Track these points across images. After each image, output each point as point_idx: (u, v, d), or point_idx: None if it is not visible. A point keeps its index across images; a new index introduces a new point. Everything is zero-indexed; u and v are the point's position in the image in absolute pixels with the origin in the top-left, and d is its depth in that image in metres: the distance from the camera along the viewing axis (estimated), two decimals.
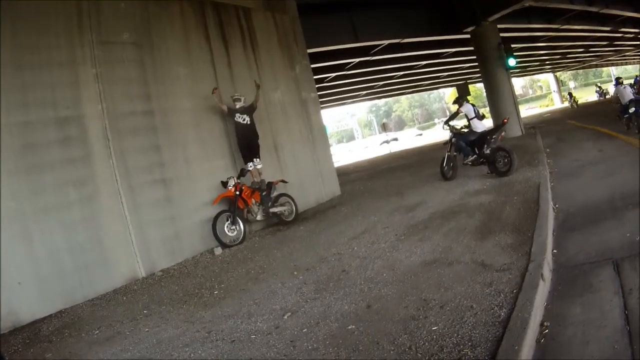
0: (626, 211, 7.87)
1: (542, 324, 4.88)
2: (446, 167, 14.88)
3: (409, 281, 6.41)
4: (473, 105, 15.00)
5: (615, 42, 52.00)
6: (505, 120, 14.29)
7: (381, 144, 63.58)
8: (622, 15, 33.34)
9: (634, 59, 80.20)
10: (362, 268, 7.41)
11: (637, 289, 5.15)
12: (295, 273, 7.81)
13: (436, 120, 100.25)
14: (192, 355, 5.29)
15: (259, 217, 12.13)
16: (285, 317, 5.89)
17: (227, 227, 11.05)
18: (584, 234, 7.49)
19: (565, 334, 4.63)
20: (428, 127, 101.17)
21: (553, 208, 9.27)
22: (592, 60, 73.02)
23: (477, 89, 73.79)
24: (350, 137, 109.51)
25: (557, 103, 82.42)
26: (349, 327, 5.22)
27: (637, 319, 4.56)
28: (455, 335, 4.61)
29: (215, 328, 5.94)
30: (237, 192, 11.33)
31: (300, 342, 5.06)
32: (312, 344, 4.99)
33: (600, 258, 6.29)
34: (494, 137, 13.94)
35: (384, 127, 60.11)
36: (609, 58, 73.09)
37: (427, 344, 4.55)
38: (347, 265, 7.73)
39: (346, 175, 23.48)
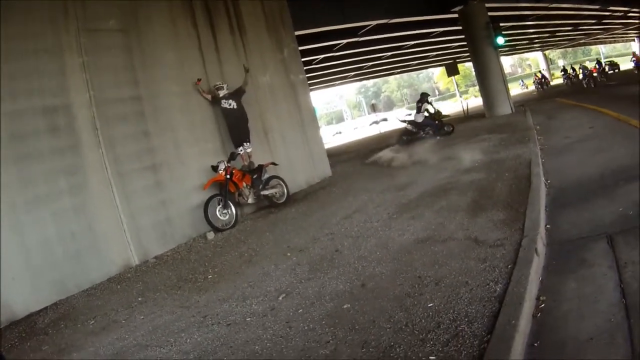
0: (617, 187, 7.89)
1: (537, 299, 4.88)
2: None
3: (402, 259, 6.42)
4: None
5: (604, 21, 52.10)
6: None
7: (370, 124, 63.60)
8: None
9: (622, 37, 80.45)
10: (355, 247, 7.43)
11: (631, 262, 5.16)
12: (289, 254, 7.81)
13: (411, 112, 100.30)
14: (188, 340, 5.28)
15: (250, 200, 12.09)
16: (280, 298, 5.90)
17: (218, 211, 11.01)
18: (576, 209, 7.50)
19: (561, 308, 4.63)
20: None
21: (545, 184, 9.28)
22: (581, 39, 73.09)
23: (466, 68, 73.83)
24: (340, 119, 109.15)
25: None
26: (345, 307, 5.24)
27: (632, 292, 4.58)
28: (452, 311, 4.62)
29: (211, 312, 5.94)
30: (228, 176, 11.27)
31: (296, 323, 5.07)
32: (308, 324, 5.00)
33: (593, 233, 6.29)
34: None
35: (373, 108, 60.12)
36: (598, 36, 73.21)
37: (423, 320, 4.55)
38: (340, 244, 7.75)
39: (336, 156, 23.44)
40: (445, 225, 7.57)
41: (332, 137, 68.34)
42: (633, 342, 3.89)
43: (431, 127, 22.49)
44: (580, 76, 42.74)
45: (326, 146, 19.94)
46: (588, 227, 6.60)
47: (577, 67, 51.46)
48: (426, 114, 22.94)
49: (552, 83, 63.70)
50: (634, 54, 50.58)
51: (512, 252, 5.78)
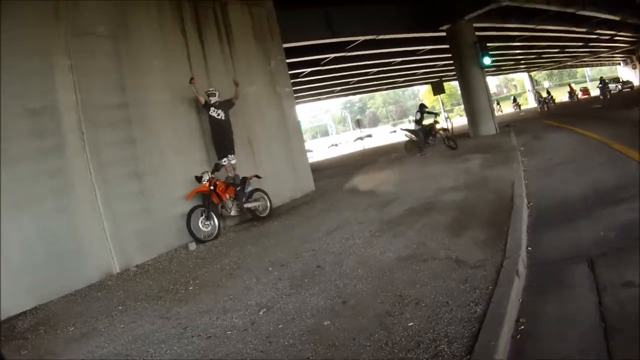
0: (600, 209, 7.98)
1: (517, 320, 4.92)
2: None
3: (384, 277, 6.44)
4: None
5: (591, 44, 52.70)
6: None
7: (355, 140, 63.87)
8: (598, 17, 33.76)
9: (608, 60, 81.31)
10: (337, 264, 7.42)
11: (611, 285, 5.22)
12: (270, 269, 7.79)
13: (410, 117, 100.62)
14: (168, 351, 5.27)
15: (233, 213, 12.06)
16: (261, 312, 5.89)
17: (201, 222, 11.00)
18: (558, 231, 7.57)
19: (541, 330, 4.68)
20: (402, 124, 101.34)
21: (527, 205, 9.36)
22: (567, 61, 73.87)
23: (452, 86, 74.23)
24: (324, 133, 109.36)
25: (531, 102, 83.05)
26: (325, 323, 5.24)
27: (612, 315, 4.62)
28: (432, 331, 4.64)
29: (191, 324, 5.91)
30: (212, 187, 11.28)
31: (276, 338, 5.06)
32: (288, 339, 4.99)
33: (574, 255, 6.37)
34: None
35: (358, 124, 60.41)
36: (584, 59, 73.94)
37: (403, 339, 4.57)
38: (322, 261, 7.74)
39: (320, 171, 23.46)
40: (427, 245, 7.59)
41: (328, 149, 68.41)
42: None
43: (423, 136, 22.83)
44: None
45: (311, 160, 19.96)
46: (569, 249, 6.69)
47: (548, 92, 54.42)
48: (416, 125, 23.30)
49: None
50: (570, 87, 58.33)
51: (494, 273, 5.81)
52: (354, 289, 6.18)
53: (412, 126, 23.71)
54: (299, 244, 9.15)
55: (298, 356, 4.61)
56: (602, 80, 52.21)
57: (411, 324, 4.87)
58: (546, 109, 50.36)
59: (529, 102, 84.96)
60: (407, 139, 23.93)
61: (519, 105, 72.74)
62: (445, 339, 4.44)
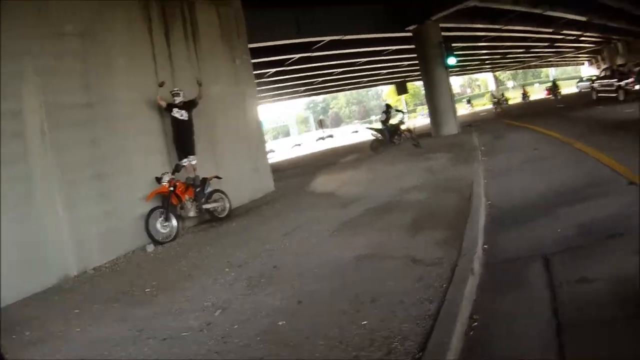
0: (559, 208, 8.15)
1: (471, 317, 4.98)
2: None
3: (340, 276, 6.50)
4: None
5: (556, 44, 53.24)
6: None
7: (317, 140, 63.94)
8: (565, 18, 34.10)
9: (574, 60, 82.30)
10: (294, 264, 7.48)
11: (566, 282, 5.33)
12: (227, 270, 7.79)
13: (373, 117, 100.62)
14: (123, 354, 5.21)
15: (192, 214, 12.04)
16: (217, 313, 5.89)
17: (160, 223, 10.94)
18: (515, 230, 7.72)
19: (494, 327, 4.76)
20: (366, 124, 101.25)
21: (485, 204, 9.49)
22: (532, 61, 74.63)
23: (416, 86, 74.62)
24: (287, 133, 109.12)
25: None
26: (280, 323, 5.26)
27: (565, 312, 4.72)
28: (386, 329, 4.67)
29: (147, 326, 5.86)
30: (171, 188, 11.22)
31: (231, 339, 5.07)
32: (243, 340, 5.00)
33: (530, 253, 6.49)
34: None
35: (321, 124, 60.62)
36: (550, 59, 74.76)
37: (357, 338, 4.60)
38: (279, 261, 7.77)
39: (281, 171, 23.48)
40: (384, 244, 7.67)
41: (291, 148, 68.42)
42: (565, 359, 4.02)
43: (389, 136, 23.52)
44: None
45: (273, 160, 19.95)
46: (526, 247, 6.81)
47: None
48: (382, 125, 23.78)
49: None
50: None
51: (449, 271, 5.89)
52: (310, 289, 6.22)
53: (379, 125, 24.27)
54: (257, 245, 9.15)
55: (252, 356, 4.61)
56: (553, 82, 57.73)
57: (365, 322, 4.90)
58: (499, 109, 52.89)
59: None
60: (373, 137, 24.40)
61: (472, 105, 75.91)
62: (399, 337, 4.48)
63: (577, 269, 5.61)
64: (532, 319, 4.76)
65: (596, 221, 7.03)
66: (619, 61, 48.87)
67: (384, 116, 23.43)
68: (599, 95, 33.18)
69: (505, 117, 38.22)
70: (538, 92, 74.48)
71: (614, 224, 6.75)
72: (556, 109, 35.73)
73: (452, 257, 6.38)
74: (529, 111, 40.27)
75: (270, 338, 4.94)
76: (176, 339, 5.32)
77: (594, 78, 38.97)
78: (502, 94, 59.98)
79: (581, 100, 38.19)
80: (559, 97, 51.07)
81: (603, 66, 56.88)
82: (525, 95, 63.61)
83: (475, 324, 4.86)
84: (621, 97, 27.95)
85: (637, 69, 23.87)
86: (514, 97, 72.17)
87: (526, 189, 10.30)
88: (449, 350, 4.15)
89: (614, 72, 32.62)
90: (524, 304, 5.10)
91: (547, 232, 7.21)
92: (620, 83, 28.87)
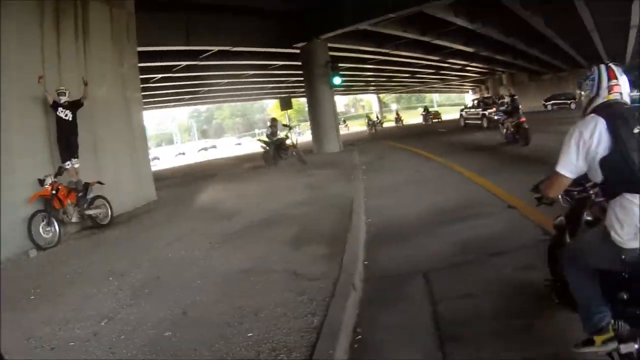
0: (438, 227, 8.62)
1: (354, 330, 5.16)
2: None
3: (223, 289, 6.60)
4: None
5: (442, 71, 55.18)
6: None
7: (199, 150, 63.39)
8: (452, 48, 35.36)
9: (458, 87, 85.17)
10: (177, 274, 7.52)
11: (446, 298, 5.64)
12: (111, 278, 7.69)
13: (257, 131, 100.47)
14: None
15: (74, 219, 11.72)
16: (103, 323, 5.84)
17: (42, 228, 10.61)
18: (396, 247, 8.08)
19: (378, 339, 4.96)
20: (249, 137, 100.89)
21: (365, 222, 9.80)
22: (416, 86, 76.65)
23: (300, 103, 74.86)
24: (170, 141, 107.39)
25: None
26: (166, 334, 5.30)
27: (446, 325, 5.00)
28: (271, 341, 4.81)
29: (33, 335, 5.72)
30: (54, 192, 10.91)
31: (118, 349, 5.06)
32: (130, 350, 5.01)
33: (411, 270, 6.80)
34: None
35: (203, 134, 60.15)
36: (434, 85, 77.08)
37: (243, 350, 4.71)
38: (162, 271, 7.81)
39: (164, 179, 23.18)
40: (267, 257, 7.84)
41: (175, 157, 67.39)
42: None
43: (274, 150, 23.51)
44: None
45: (156, 168, 19.65)
46: (406, 264, 7.12)
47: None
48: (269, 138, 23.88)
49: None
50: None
51: (331, 286, 6.08)
52: (194, 300, 6.28)
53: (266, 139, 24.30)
54: (139, 254, 9.11)
55: None
56: (425, 108, 65.35)
57: (250, 334, 5.02)
58: (374, 131, 55.75)
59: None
60: (263, 150, 24.60)
61: (347, 126, 79.41)
62: (285, 348, 4.62)
63: (457, 285, 5.94)
64: (415, 332, 5.00)
65: (476, 239, 7.49)
66: (503, 91, 51.67)
67: (269, 130, 23.51)
68: (467, 122, 37.79)
69: (386, 138, 39.14)
70: (417, 117, 76.87)
71: (493, 242, 7.23)
72: (426, 133, 38.57)
73: (334, 272, 6.59)
74: (403, 134, 42.80)
75: (158, 349, 4.97)
76: (64, 349, 5.24)
77: (463, 107, 43.39)
78: (377, 117, 65.56)
79: (452, 125, 41.66)
80: (431, 122, 57.19)
81: (483, 95, 59.89)
82: (398, 119, 69.74)
83: (359, 337, 5.05)
84: (484, 124, 32.18)
85: (500, 100, 25.90)
86: (391, 120, 74.79)
87: (406, 207, 10.80)
88: None
89: (479, 103, 37.37)
90: (406, 318, 5.34)
91: (425, 249, 7.63)
92: (485, 112, 33.16)
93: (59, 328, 5.83)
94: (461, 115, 41.55)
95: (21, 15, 11.35)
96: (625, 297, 3.42)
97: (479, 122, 34.45)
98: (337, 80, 28.16)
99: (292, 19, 26.71)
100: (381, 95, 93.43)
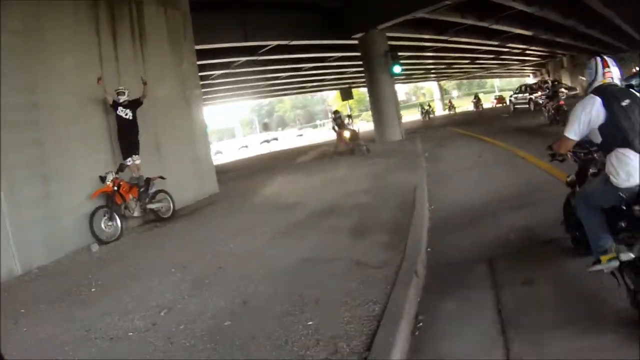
0: (500, 214, 8.49)
1: (416, 318, 5.13)
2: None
3: (285, 278, 6.59)
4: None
5: (502, 56, 54.15)
6: None
7: (261, 143, 63.52)
8: (511, 32, 34.70)
9: (519, 72, 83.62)
10: (239, 265, 7.55)
11: (509, 284, 5.59)
12: (173, 270, 7.77)
13: (318, 122, 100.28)
14: (71, 354, 5.17)
15: (136, 214, 11.92)
16: (162, 313, 5.91)
17: (104, 223, 10.79)
18: (459, 234, 7.98)
19: (439, 327, 4.92)
20: (310, 128, 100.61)
21: (428, 209, 9.70)
22: (477, 72, 75.41)
23: (361, 93, 74.59)
24: (232, 135, 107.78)
25: (438, 111, 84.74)
26: (226, 323, 5.32)
27: (509, 312, 4.94)
28: (331, 329, 4.78)
29: (94, 326, 5.81)
30: (115, 188, 11.12)
31: (177, 339, 5.10)
32: (189, 340, 5.04)
33: (474, 257, 6.74)
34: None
35: (265, 127, 60.41)
36: (494, 70, 75.82)
37: (303, 338, 4.70)
38: (224, 262, 7.83)
39: (227, 173, 23.22)
40: (329, 247, 7.81)
41: (238, 150, 67.77)
42: (509, 358, 4.20)
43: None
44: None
45: (219, 162, 19.78)
46: (470, 251, 7.04)
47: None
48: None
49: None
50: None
51: (393, 274, 6.01)
52: (255, 290, 6.28)
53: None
54: (201, 246, 9.18)
55: (198, 357, 4.66)
56: (476, 95, 64.96)
57: (310, 322, 5.00)
58: (427, 118, 56.75)
59: (435, 111, 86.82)
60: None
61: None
62: (345, 336, 4.59)
63: (520, 272, 5.84)
64: (477, 319, 4.94)
65: (538, 225, 7.29)
66: (564, 74, 51.54)
67: (334, 123, 23.46)
68: (515, 106, 39.09)
69: (445, 125, 38.88)
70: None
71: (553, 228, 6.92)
72: (484, 119, 39.05)
73: (396, 260, 6.51)
74: (461, 121, 42.34)
75: (217, 338, 4.98)
76: (123, 339, 5.31)
77: (512, 93, 44.50)
78: (429, 105, 64.03)
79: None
80: (482, 109, 58.51)
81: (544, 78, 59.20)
82: (451, 106, 70.26)
83: (421, 324, 5.01)
84: (531, 108, 33.10)
85: (545, 85, 26.47)
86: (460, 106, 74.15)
87: (468, 194, 10.66)
88: (394, 349, 4.25)
89: (526, 88, 39.04)
90: (468, 305, 5.28)
91: (489, 236, 7.50)
92: (531, 97, 34.48)
93: (119, 319, 5.92)
94: (510, 100, 43.09)
95: (77, 23, 11.58)
96: (623, 225, 4.65)
97: (527, 106, 35.59)
98: (396, 69, 27.67)
99: (349, 11, 26.46)
100: (442, 82, 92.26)
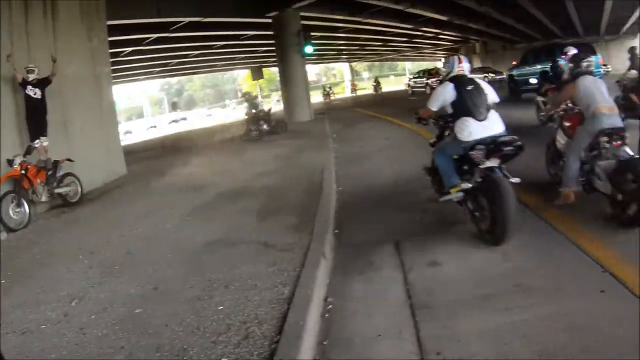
0: (407, 195, 8.97)
1: (325, 300, 5.28)
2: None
3: (194, 262, 6.68)
4: None
5: (415, 40, 55.07)
6: None
7: (170, 122, 62.91)
8: (425, 16, 35.32)
9: (431, 56, 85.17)
10: (148, 249, 7.56)
11: (416, 265, 5.86)
12: (81, 257, 7.65)
13: (227, 102, 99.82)
14: None
15: (43, 198, 11.56)
16: (73, 303, 5.80)
17: (12, 209, 10.42)
18: (366, 215, 8.32)
19: (349, 308, 5.08)
20: (219, 108, 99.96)
21: (336, 190, 10.00)
22: (389, 54, 76.49)
23: (272, 72, 74.42)
24: (140, 115, 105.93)
25: (347, 92, 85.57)
26: (137, 311, 5.32)
27: (417, 293, 5.17)
28: (241, 313, 4.87)
29: (5, 319, 5.60)
30: (23, 172, 10.77)
31: (90, 329, 5.04)
32: (101, 330, 4.98)
33: (381, 238, 6.99)
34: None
35: (174, 106, 59.78)
36: (407, 53, 77.06)
37: (214, 323, 4.76)
38: (133, 247, 7.81)
39: (134, 154, 22.65)
40: (237, 229, 7.97)
41: (147, 130, 66.68)
42: (419, 337, 4.38)
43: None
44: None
45: (127, 142, 19.47)
46: (376, 232, 7.33)
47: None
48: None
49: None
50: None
51: (301, 256, 6.18)
52: (164, 275, 6.33)
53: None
54: (110, 230, 9.08)
55: (112, 346, 4.64)
56: (376, 79, 67.13)
57: (221, 307, 5.08)
58: (329, 99, 58.79)
59: (345, 92, 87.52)
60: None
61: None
62: (255, 321, 4.69)
63: (426, 253, 6.16)
64: (386, 300, 5.15)
65: (445, 207, 7.52)
66: (475, 60, 56.84)
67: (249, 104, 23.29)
68: (414, 90, 44.05)
69: (355, 106, 40.08)
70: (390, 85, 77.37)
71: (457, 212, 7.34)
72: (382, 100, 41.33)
73: (304, 242, 6.71)
74: (362, 103, 44.25)
75: (129, 327, 4.97)
76: (35, 333, 5.19)
77: (410, 77, 51.10)
78: (330, 87, 66.77)
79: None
80: (380, 92, 59.52)
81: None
82: (353, 89, 74.90)
83: (330, 306, 5.16)
84: (427, 91, 36.00)
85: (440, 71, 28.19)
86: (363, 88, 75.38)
87: (376, 176, 11.08)
88: (305, 332, 4.35)
89: (424, 73, 43.99)
90: (377, 286, 5.51)
91: (395, 218, 7.85)
92: (428, 81, 39.64)
93: (30, 311, 5.76)
94: (408, 84, 47.81)
95: None
96: (465, 168, 6.84)
97: (424, 89, 40.04)
98: (308, 49, 28.21)
99: None
100: (353, 64, 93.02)
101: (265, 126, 22.17)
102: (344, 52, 65.80)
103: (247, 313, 4.85)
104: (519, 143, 6.28)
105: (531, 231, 6.48)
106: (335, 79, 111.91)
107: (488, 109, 6.78)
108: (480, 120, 6.58)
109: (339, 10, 30.82)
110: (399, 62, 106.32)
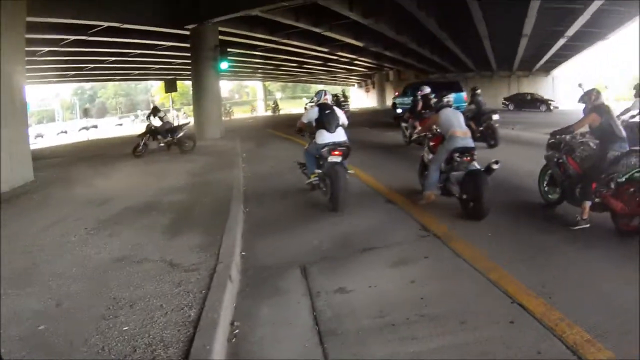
0: (316, 220, 9.14)
1: (232, 324, 5.22)
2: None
3: (98, 278, 6.48)
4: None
5: (330, 63, 55.83)
6: None
7: (80, 129, 61.54)
8: (342, 41, 35.87)
9: (345, 81, 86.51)
10: (51, 263, 7.27)
11: (324, 291, 5.85)
12: None
13: (139, 112, 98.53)
14: None
15: None
16: None
17: None
18: (273, 238, 8.28)
19: (256, 333, 5.03)
20: (132, 117, 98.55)
21: (243, 211, 9.98)
22: (303, 76, 77.10)
23: (185, 86, 74.03)
24: (51, 119, 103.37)
25: (260, 111, 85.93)
26: (40, 328, 5.12)
27: (325, 319, 5.17)
28: (147, 335, 4.77)
29: None
30: None
31: None
32: (4, 346, 4.76)
33: (288, 262, 6.99)
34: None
35: (85, 113, 58.65)
36: (321, 77, 77.89)
37: (119, 344, 4.63)
38: (36, 259, 7.52)
39: (43, 159, 21.98)
40: (142, 246, 7.80)
41: (57, 135, 64.93)
42: None
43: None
44: None
45: (36, 147, 18.86)
46: (284, 256, 7.31)
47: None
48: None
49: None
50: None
51: (207, 277, 6.13)
52: (68, 290, 6.12)
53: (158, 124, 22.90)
54: (12, 241, 8.67)
55: None
56: (275, 101, 73.43)
57: (126, 327, 4.96)
58: (229, 118, 60.81)
59: (257, 110, 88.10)
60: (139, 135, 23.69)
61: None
62: (161, 343, 4.60)
63: (333, 279, 6.20)
64: (293, 325, 5.14)
65: (354, 233, 7.79)
66: (388, 87, 57.02)
67: (156, 118, 22.77)
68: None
69: (266, 127, 40.10)
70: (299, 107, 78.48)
71: (369, 238, 7.58)
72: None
73: (210, 263, 6.68)
74: (270, 124, 43.77)
75: (33, 343, 4.80)
76: None
77: (306, 102, 52.67)
78: (230, 106, 72.21)
79: None
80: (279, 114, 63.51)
81: (371, 90, 63.17)
82: (253, 110, 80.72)
83: (237, 330, 5.11)
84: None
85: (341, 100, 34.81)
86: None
87: (285, 198, 11.26)
88: (212, 356, 4.30)
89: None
90: (284, 311, 5.49)
91: (302, 242, 7.87)
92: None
93: None
94: (305, 107, 45.26)
95: None
96: (321, 162, 10.03)
97: None
98: (223, 65, 28.19)
99: (185, 1, 26.46)
100: (267, 83, 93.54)
101: (162, 143, 21.66)
102: (259, 70, 66.19)
103: (153, 335, 4.76)
104: (347, 145, 10.08)
105: (397, 220, 9.00)
106: (248, 97, 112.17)
107: (337, 126, 10.19)
108: (331, 132, 10.05)
109: (258, 28, 31.16)
110: (312, 85, 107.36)
